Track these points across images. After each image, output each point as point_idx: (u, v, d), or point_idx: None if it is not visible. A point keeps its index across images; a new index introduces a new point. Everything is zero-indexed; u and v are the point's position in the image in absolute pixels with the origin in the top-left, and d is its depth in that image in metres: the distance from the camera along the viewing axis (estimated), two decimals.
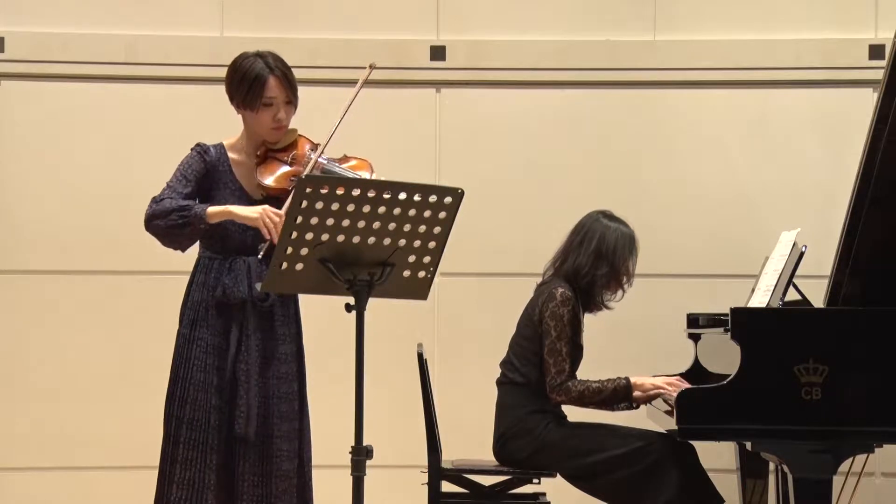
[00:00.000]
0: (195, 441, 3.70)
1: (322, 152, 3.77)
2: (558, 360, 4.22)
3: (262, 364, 3.75)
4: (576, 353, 4.31)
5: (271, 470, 3.72)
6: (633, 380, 4.23)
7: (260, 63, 3.77)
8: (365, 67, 5.42)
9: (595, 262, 4.32)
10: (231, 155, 3.85)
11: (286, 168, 3.76)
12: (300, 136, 3.85)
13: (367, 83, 5.43)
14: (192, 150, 3.85)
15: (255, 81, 3.75)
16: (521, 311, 4.40)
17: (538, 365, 4.26)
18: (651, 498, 4.08)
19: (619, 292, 4.40)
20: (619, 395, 4.22)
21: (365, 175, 3.76)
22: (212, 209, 3.69)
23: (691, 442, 4.10)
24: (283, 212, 3.60)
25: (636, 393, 4.23)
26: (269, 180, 3.74)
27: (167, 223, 3.69)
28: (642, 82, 5.48)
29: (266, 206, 3.67)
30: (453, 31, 5.52)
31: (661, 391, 4.22)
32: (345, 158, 3.82)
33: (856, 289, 3.85)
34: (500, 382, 4.38)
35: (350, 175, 3.75)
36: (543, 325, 4.25)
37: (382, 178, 3.68)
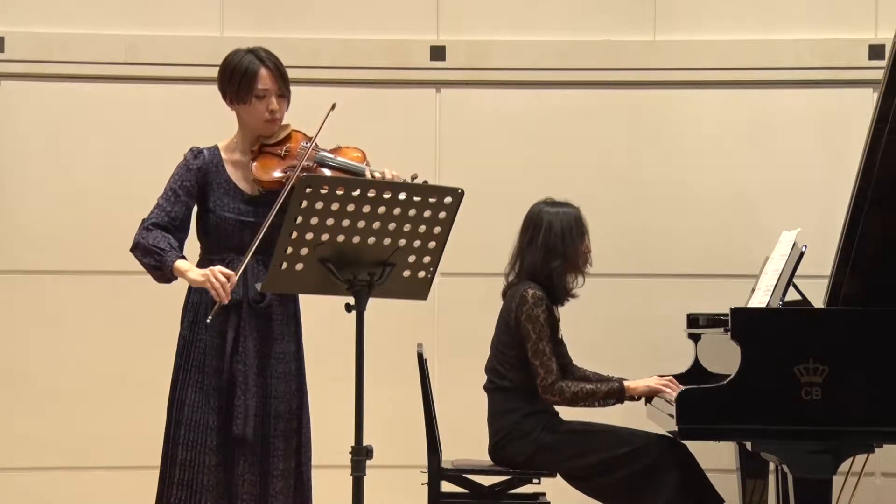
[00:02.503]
0: (193, 442, 3.70)
1: (315, 146, 3.77)
2: (544, 360, 4.22)
3: (259, 364, 3.75)
4: (558, 349, 4.31)
5: (268, 469, 3.72)
6: (626, 384, 4.23)
7: (251, 56, 3.78)
8: (365, 68, 5.47)
9: (547, 256, 4.32)
10: (225, 155, 3.84)
11: (280, 161, 3.77)
12: (294, 130, 3.86)
13: (368, 83, 5.50)
14: (184, 156, 3.84)
15: (246, 74, 3.75)
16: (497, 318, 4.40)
17: (523, 368, 4.26)
18: (650, 498, 4.08)
19: (580, 277, 4.39)
20: (612, 398, 4.23)
21: (358, 164, 3.75)
22: (177, 264, 3.67)
23: (692, 442, 4.09)
24: (235, 272, 3.60)
25: (629, 395, 4.24)
26: (265, 175, 3.75)
27: (144, 262, 3.73)
28: (642, 82, 5.48)
29: (214, 268, 3.63)
30: (453, 31, 5.52)
31: (655, 390, 4.22)
32: (338, 149, 3.82)
33: (856, 289, 3.84)
34: (488, 388, 4.38)
35: (344, 162, 3.74)
36: (522, 330, 4.24)
37: (378, 173, 3.68)
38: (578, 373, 4.48)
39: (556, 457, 4.21)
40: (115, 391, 5.31)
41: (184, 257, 3.72)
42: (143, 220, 3.77)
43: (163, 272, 3.70)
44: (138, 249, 3.73)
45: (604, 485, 4.18)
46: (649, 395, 4.31)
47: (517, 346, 4.27)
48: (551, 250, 4.31)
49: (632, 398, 4.29)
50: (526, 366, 4.26)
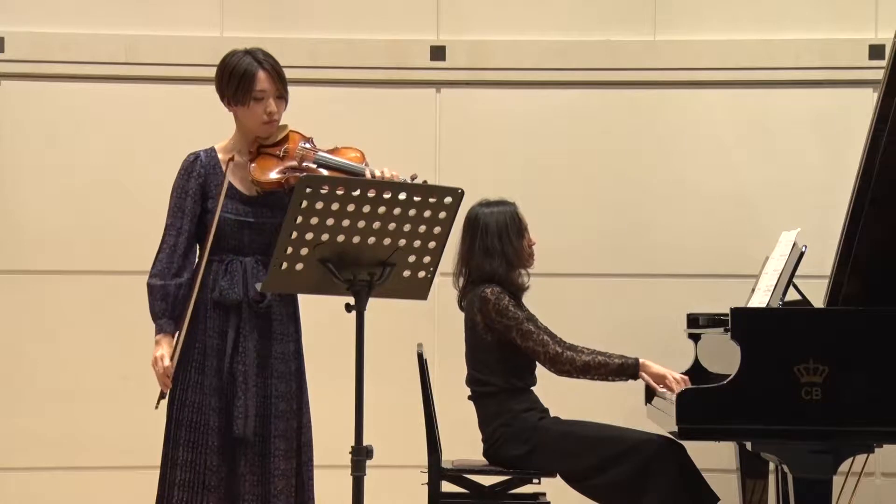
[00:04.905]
0: (194, 443, 3.70)
1: (313, 147, 3.79)
2: (536, 337, 4.21)
3: (259, 364, 3.75)
4: (539, 324, 4.31)
5: (269, 469, 3.72)
6: (642, 361, 4.19)
7: (249, 58, 3.78)
8: (365, 68, 5.47)
9: (486, 258, 4.31)
10: (222, 156, 3.84)
11: (278, 162, 3.77)
12: (292, 131, 3.86)
13: (368, 83, 5.50)
14: (181, 165, 3.83)
15: (244, 76, 3.75)
16: (464, 331, 4.39)
17: (503, 371, 4.26)
18: (646, 498, 4.06)
19: (525, 272, 4.38)
20: (626, 372, 4.18)
21: (357, 164, 3.76)
22: (156, 336, 3.74)
23: (692, 442, 4.09)
24: (166, 359, 3.67)
25: (643, 374, 4.19)
26: (263, 176, 3.75)
27: (149, 304, 3.79)
28: (642, 82, 5.48)
29: (161, 354, 3.70)
30: (453, 31, 5.52)
31: (668, 380, 4.16)
32: (336, 150, 3.82)
33: (856, 289, 3.84)
34: (472, 398, 4.38)
35: (343, 163, 3.75)
36: (498, 325, 4.24)
37: (377, 172, 3.68)
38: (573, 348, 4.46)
39: (552, 457, 4.20)
40: (115, 391, 5.31)
41: (166, 330, 3.73)
42: (157, 253, 3.79)
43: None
44: (148, 290, 3.78)
45: (599, 485, 4.16)
46: (657, 380, 4.21)
47: (493, 349, 4.26)
48: (489, 252, 4.31)
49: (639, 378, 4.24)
50: (504, 367, 4.26)
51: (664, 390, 4.16)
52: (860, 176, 3.80)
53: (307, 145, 3.80)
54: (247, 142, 3.83)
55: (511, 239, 4.33)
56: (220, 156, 3.84)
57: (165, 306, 3.75)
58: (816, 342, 3.69)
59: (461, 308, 4.42)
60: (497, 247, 4.31)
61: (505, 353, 4.27)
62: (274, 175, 3.74)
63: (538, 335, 4.23)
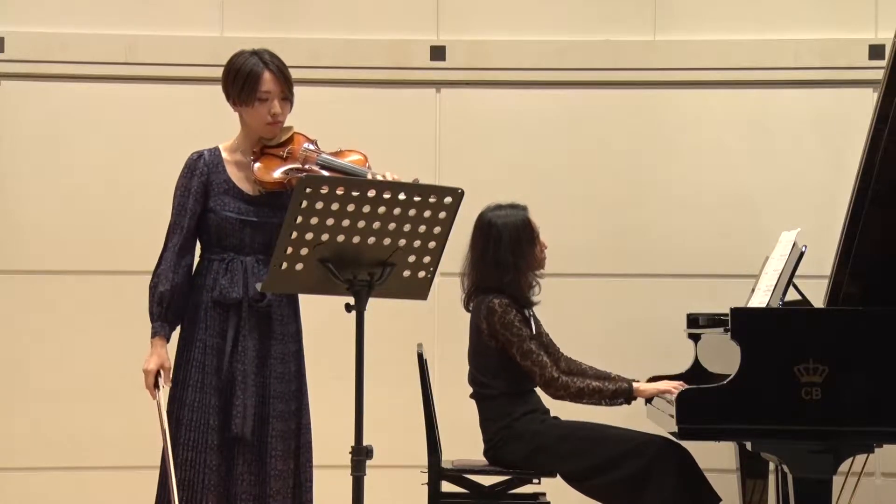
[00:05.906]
0: (194, 442, 3.70)
1: (317, 149, 3.80)
2: (535, 358, 4.21)
3: (258, 364, 3.75)
4: (543, 343, 4.30)
5: (266, 469, 3.72)
6: (635, 386, 4.22)
7: (255, 59, 3.79)
8: (365, 68, 5.47)
9: (498, 270, 4.29)
10: (226, 155, 3.85)
11: (282, 163, 3.78)
12: (296, 132, 3.86)
13: (368, 83, 5.51)
14: (185, 163, 3.84)
15: (249, 76, 3.76)
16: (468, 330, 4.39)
17: (504, 375, 4.26)
18: (647, 498, 4.06)
19: (536, 282, 4.37)
20: (619, 397, 4.21)
21: (360, 167, 3.76)
22: (155, 337, 3.76)
23: (692, 442, 4.09)
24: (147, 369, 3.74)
25: (637, 397, 4.24)
26: (266, 176, 3.76)
27: (148, 304, 3.80)
28: (642, 82, 5.48)
29: (147, 367, 3.74)
30: (453, 31, 5.52)
31: (664, 391, 4.20)
32: (339, 152, 3.83)
33: (856, 289, 3.85)
34: (475, 398, 4.38)
35: (346, 165, 3.75)
36: (500, 338, 4.23)
37: (379, 176, 3.68)
38: (573, 365, 4.47)
39: (553, 458, 4.20)
40: (115, 391, 5.30)
41: (160, 333, 3.76)
42: (161, 252, 3.79)
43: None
44: (150, 293, 3.79)
45: (600, 485, 4.17)
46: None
47: (495, 355, 4.26)
48: (501, 265, 4.28)
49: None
50: (506, 372, 4.26)
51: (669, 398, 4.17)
52: (860, 176, 3.80)
53: (311, 147, 3.81)
54: (251, 142, 3.84)
55: (524, 249, 4.31)
56: (224, 155, 3.85)
57: (161, 310, 3.76)
58: (816, 342, 3.69)
59: (467, 309, 4.41)
60: (509, 259, 4.28)
61: (507, 360, 4.26)
62: (277, 175, 3.75)
63: (538, 356, 4.22)
